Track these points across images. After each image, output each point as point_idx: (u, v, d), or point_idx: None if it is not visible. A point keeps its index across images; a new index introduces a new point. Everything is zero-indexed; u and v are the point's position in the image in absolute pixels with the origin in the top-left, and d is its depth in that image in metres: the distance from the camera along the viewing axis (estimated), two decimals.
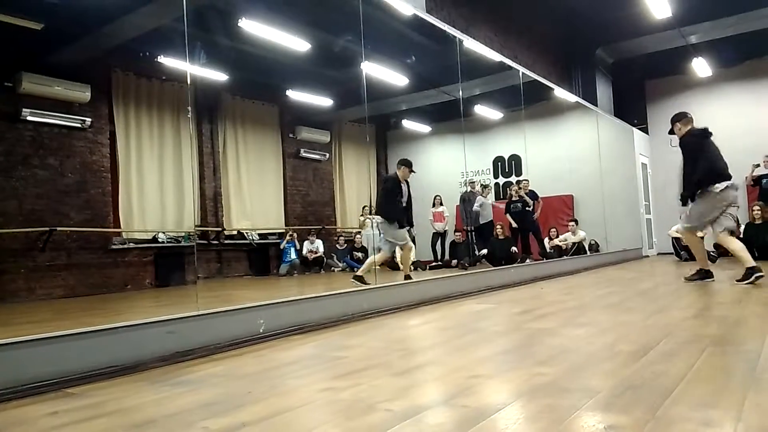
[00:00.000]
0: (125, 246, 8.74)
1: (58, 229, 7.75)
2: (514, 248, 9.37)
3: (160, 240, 9.14)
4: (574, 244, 10.08)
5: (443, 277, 5.72)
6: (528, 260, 9.01)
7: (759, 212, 8.66)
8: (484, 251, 9.54)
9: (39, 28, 6.99)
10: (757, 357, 2.16)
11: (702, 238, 8.92)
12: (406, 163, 6.70)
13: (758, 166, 10.11)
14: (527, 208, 9.57)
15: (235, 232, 10.54)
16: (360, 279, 5.87)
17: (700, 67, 11.28)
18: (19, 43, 7.29)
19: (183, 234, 9.54)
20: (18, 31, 6.92)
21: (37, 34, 7.04)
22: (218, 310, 3.16)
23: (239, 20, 7.40)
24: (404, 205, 6.57)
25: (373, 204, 12.82)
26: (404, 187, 6.59)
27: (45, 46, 7.44)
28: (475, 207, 9.88)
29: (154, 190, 9.26)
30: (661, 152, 11.69)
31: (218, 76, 9.45)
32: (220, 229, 10.30)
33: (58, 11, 6.88)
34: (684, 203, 5.13)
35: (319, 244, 11.13)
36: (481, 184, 10.77)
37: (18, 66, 7.51)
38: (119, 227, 8.77)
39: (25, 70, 7.51)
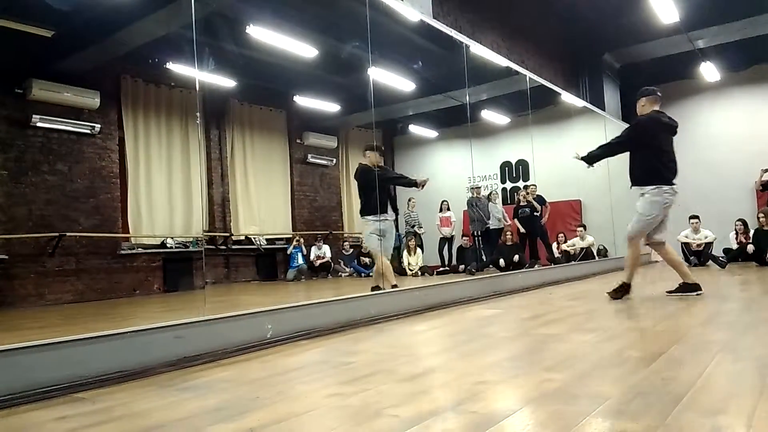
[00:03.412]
0: (134, 251, 8.78)
1: (68, 234, 7.80)
2: (516, 256, 9.33)
3: (168, 245, 9.18)
4: (582, 249, 10.04)
5: (450, 282, 5.70)
6: (536, 265, 8.97)
7: (765, 219, 8.60)
8: (502, 262, 9.45)
9: (50, 35, 7.07)
10: None
11: (710, 243, 8.66)
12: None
13: (767, 170, 10.05)
14: (535, 213, 9.55)
15: (242, 238, 10.57)
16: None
17: (708, 71, 11.23)
18: (30, 50, 7.36)
19: (191, 239, 9.58)
20: (29, 38, 7.01)
21: (47, 41, 7.12)
22: (226, 316, 3.16)
23: (247, 27, 7.45)
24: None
25: None
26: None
27: (55, 53, 7.51)
28: (494, 216, 9.92)
29: (162, 195, 9.32)
30: None
31: (226, 82, 9.51)
32: (227, 234, 10.33)
33: (68, 18, 6.95)
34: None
35: (326, 250, 11.14)
36: (490, 192, 10.79)
37: (28, 72, 7.58)
38: (128, 232, 8.82)
39: (35, 77, 7.59)
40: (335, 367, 2.65)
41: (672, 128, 4.78)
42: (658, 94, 4.82)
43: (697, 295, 4.61)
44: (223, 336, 3.03)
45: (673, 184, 4.68)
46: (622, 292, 4.76)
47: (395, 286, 5.30)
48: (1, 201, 7.40)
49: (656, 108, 4.79)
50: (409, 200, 11.37)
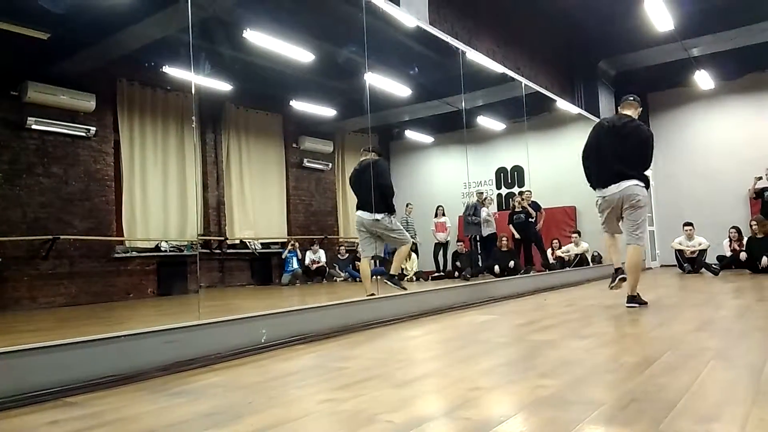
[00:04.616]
0: (128, 255, 8.75)
1: (62, 237, 7.76)
2: (511, 262, 9.34)
3: (162, 249, 9.15)
4: (576, 255, 10.05)
5: (445, 287, 5.70)
6: (531, 272, 8.98)
7: (757, 227, 8.64)
8: (497, 268, 9.44)
9: (45, 37, 7.06)
10: (761, 371, 2.14)
11: (704, 250, 8.58)
12: None
13: (760, 178, 10.09)
14: (530, 219, 9.56)
15: (237, 242, 10.54)
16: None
17: (703, 79, 11.30)
18: (26, 53, 7.35)
19: (186, 243, 9.55)
20: (25, 40, 6.99)
21: (43, 43, 7.11)
22: (220, 320, 3.15)
23: (244, 31, 7.45)
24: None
25: None
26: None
27: (51, 55, 7.50)
28: (485, 224, 9.95)
29: (157, 199, 9.29)
30: (663, 164, 11.68)
31: (222, 86, 9.50)
32: (222, 238, 10.31)
33: (64, 21, 6.93)
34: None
35: (321, 254, 11.13)
36: (485, 197, 10.83)
37: (24, 75, 7.57)
38: (122, 236, 8.79)
39: (30, 79, 7.57)
40: (329, 373, 2.64)
41: (611, 131, 4.56)
42: (630, 100, 4.75)
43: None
44: (217, 340, 3.02)
45: (603, 188, 4.56)
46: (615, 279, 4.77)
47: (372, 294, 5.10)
48: None
49: (623, 112, 4.71)
50: (407, 205, 11.40)
